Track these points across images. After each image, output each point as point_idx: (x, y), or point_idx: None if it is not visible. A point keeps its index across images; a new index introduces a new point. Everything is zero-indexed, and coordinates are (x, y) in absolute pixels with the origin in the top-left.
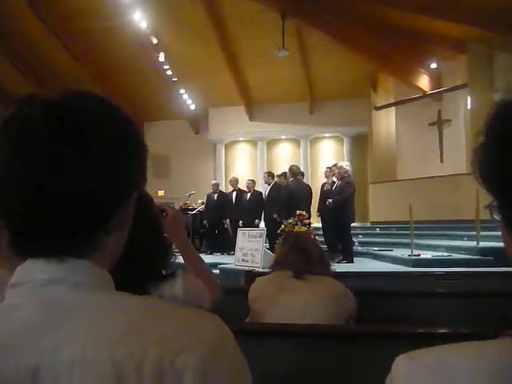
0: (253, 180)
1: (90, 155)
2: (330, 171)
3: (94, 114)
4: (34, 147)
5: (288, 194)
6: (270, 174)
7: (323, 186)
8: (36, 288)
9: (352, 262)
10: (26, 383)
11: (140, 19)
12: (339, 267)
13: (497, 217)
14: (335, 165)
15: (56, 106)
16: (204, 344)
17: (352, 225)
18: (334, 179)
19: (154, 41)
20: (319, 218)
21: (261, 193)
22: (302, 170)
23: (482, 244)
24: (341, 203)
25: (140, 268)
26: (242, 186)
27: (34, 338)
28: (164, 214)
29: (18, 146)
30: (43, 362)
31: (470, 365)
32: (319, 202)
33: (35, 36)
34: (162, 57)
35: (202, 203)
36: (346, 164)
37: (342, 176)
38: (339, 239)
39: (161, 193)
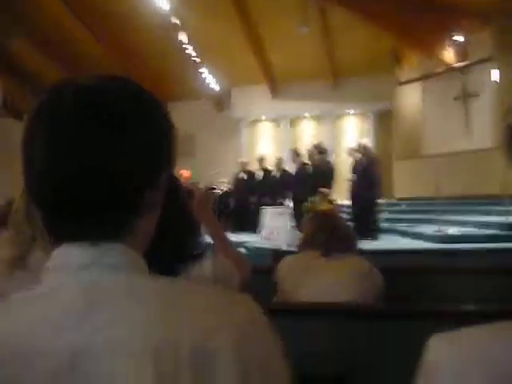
0: (280, 158)
1: (121, 136)
2: (357, 148)
3: (123, 96)
4: (67, 129)
5: (315, 172)
6: (296, 152)
7: (356, 162)
8: (72, 272)
9: (377, 238)
10: (66, 365)
11: (162, 0)
12: (366, 245)
13: None
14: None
15: (87, 90)
16: (238, 325)
17: (378, 201)
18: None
19: (177, 21)
20: (344, 195)
21: (288, 171)
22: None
23: (511, 219)
24: (363, 180)
25: (169, 249)
26: (268, 164)
27: (73, 320)
28: (191, 194)
29: (51, 129)
30: (83, 346)
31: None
32: (353, 179)
33: (61, 21)
34: (184, 37)
35: (227, 182)
36: (365, 141)
37: (364, 153)
38: (365, 216)
39: (186, 173)
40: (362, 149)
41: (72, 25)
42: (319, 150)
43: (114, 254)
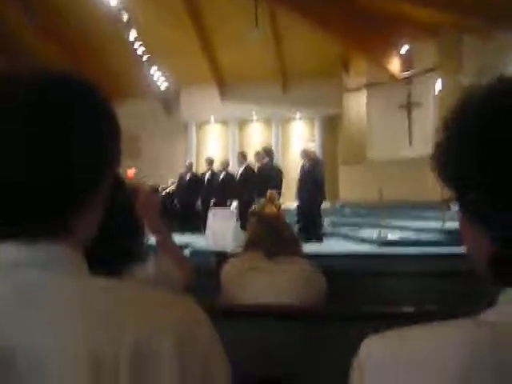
0: (226, 161)
1: (67, 134)
2: (304, 151)
3: (71, 93)
4: (11, 126)
5: (262, 175)
6: (243, 155)
7: (303, 167)
8: (6, 270)
9: (321, 240)
10: (1, 366)
11: None
12: (309, 248)
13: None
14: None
15: (34, 86)
16: (179, 326)
17: (322, 205)
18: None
19: (126, 16)
20: (288, 199)
21: (233, 173)
22: (273, 150)
23: (448, 225)
24: (311, 183)
25: (112, 249)
26: (215, 166)
27: (8, 321)
28: (136, 194)
29: None
30: (18, 346)
31: (442, 348)
32: (299, 183)
33: (5, 13)
34: (133, 33)
35: (173, 183)
36: (310, 145)
37: (309, 157)
38: (310, 219)
39: (130, 172)
40: (307, 153)
41: (18, 18)
42: (266, 153)
43: (51, 253)
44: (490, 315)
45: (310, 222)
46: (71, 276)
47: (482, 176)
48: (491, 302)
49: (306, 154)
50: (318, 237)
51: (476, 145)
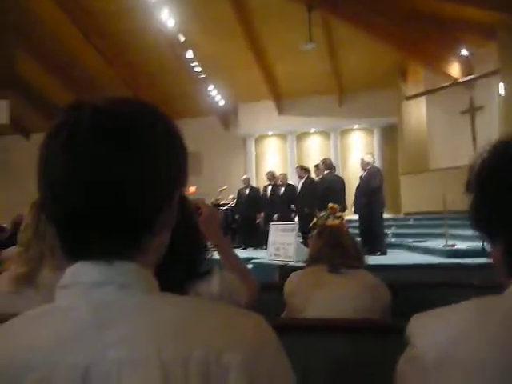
0: (284, 174)
1: (139, 158)
2: (361, 163)
3: (138, 118)
4: (84, 151)
5: (323, 187)
6: (303, 168)
7: (361, 177)
8: (85, 290)
9: (385, 253)
10: (78, 381)
11: (167, 17)
12: (374, 260)
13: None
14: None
15: (103, 112)
16: (248, 342)
17: (385, 216)
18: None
19: (182, 38)
20: (351, 211)
21: (294, 186)
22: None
23: None
24: (368, 194)
25: (178, 266)
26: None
27: (86, 337)
28: (199, 211)
29: (69, 151)
30: (94, 361)
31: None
32: (355, 195)
33: (67, 39)
34: (190, 54)
35: (233, 198)
36: (366, 156)
37: (365, 168)
38: (372, 230)
39: (192, 189)
40: (363, 164)
41: (78, 44)
42: (326, 166)
43: (127, 272)
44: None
45: (371, 234)
46: (145, 294)
47: None
48: None
49: (361, 165)
50: (382, 250)
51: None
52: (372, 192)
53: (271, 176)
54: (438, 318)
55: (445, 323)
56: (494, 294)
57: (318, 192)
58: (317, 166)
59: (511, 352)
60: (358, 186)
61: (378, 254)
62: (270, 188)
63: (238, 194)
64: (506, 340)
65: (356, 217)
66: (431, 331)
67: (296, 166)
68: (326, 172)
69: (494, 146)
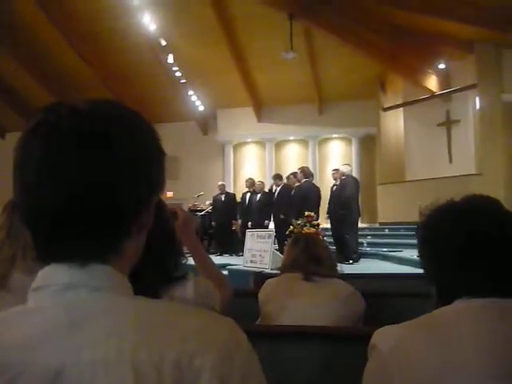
0: (262, 181)
1: (115, 160)
2: (336, 173)
3: (118, 120)
4: (61, 153)
5: (300, 195)
6: (278, 176)
7: (332, 187)
8: (58, 292)
9: (357, 261)
10: (49, 382)
11: (149, 21)
12: (348, 268)
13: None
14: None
15: (82, 113)
16: (220, 345)
17: (361, 225)
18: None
19: (163, 43)
20: (327, 219)
21: (271, 194)
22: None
23: None
24: (343, 204)
25: (152, 270)
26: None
27: (58, 339)
28: (175, 216)
29: (46, 152)
30: (67, 363)
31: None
32: (329, 204)
33: (46, 39)
34: (170, 58)
35: (210, 204)
36: (343, 166)
37: (339, 178)
38: (344, 239)
39: (169, 194)
40: (335, 174)
41: (57, 44)
42: (307, 174)
43: (101, 275)
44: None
45: (343, 243)
46: (118, 297)
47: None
48: None
49: (334, 175)
50: (351, 258)
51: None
52: (345, 201)
53: (251, 183)
54: (394, 327)
55: (399, 330)
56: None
57: (294, 200)
58: (294, 174)
59: (456, 351)
60: (331, 196)
61: (350, 262)
62: (248, 195)
63: (214, 200)
64: (449, 342)
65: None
66: (389, 336)
67: (272, 175)
68: (303, 180)
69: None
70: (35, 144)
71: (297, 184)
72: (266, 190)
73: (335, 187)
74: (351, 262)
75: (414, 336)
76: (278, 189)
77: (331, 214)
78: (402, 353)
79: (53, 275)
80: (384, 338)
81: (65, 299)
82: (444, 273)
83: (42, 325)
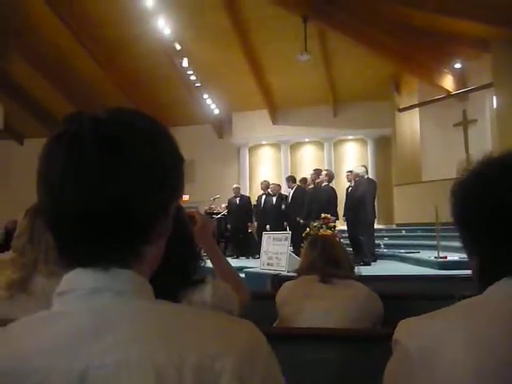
0: (278, 184)
1: (136, 168)
2: (350, 174)
3: (137, 128)
4: (83, 159)
5: (317, 198)
6: (291, 178)
7: (347, 189)
8: (83, 296)
9: (369, 264)
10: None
11: (163, 26)
12: (365, 270)
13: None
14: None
15: (102, 122)
16: (241, 348)
17: (377, 227)
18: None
19: (178, 47)
20: (343, 221)
21: (286, 196)
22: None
23: None
24: (357, 205)
25: (172, 274)
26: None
27: (83, 342)
28: (193, 220)
29: (68, 159)
30: (91, 366)
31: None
32: (345, 205)
33: (62, 45)
34: (185, 62)
35: (226, 207)
36: (357, 168)
37: (354, 180)
38: (360, 240)
39: (185, 197)
40: (349, 175)
41: (74, 50)
42: (330, 178)
43: (123, 279)
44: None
45: (357, 245)
46: (140, 301)
47: None
48: None
49: (349, 177)
50: (365, 260)
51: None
52: (357, 203)
53: (266, 185)
54: (423, 319)
55: (429, 324)
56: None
57: (310, 201)
58: (316, 173)
59: (496, 353)
60: (347, 197)
61: (362, 264)
62: (264, 197)
63: (229, 203)
64: (491, 341)
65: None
66: (417, 332)
67: (286, 176)
68: (324, 184)
69: (482, 162)
70: (59, 151)
71: (311, 186)
72: (282, 192)
73: (350, 189)
74: (362, 264)
75: (449, 332)
76: (292, 191)
77: (346, 215)
78: (432, 354)
79: (78, 279)
80: (411, 333)
81: (89, 304)
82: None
83: (67, 329)
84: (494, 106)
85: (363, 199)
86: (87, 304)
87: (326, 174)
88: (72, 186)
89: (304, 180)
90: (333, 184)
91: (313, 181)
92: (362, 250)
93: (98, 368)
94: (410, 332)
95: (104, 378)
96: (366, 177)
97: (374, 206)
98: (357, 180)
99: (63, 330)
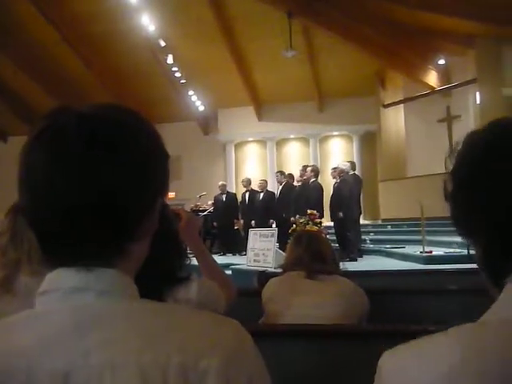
0: (265, 180)
1: (120, 163)
2: (334, 171)
3: (122, 124)
4: (68, 156)
5: (304, 194)
6: (283, 173)
7: (334, 185)
8: (65, 296)
9: (356, 259)
10: None
11: (148, 22)
12: (351, 266)
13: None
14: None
15: (88, 118)
16: (225, 347)
17: (363, 222)
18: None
19: (162, 43)
20: (328, 217)
21: (273, 193)
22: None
23: None
24: (342, 201)
25: (157, 272)
26: (254, 186)
27: (65, 343)
28: (178, 217)
29: (53, 155)
30: (75, 366)
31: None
32: (330, 201)
33: (46, 42)
34: (170, 59)
35: (212, 204)
36: (342, 164)
37: (339, 176)
38: (347, 237)
39: (171, 194)
40: (334, 172)
41: (58, 47)
42: (315, 174)
43: (107, 279)
44: (487, 316)
45: (342, 242)
46: (124, 300)
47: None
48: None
49: (333, 174)
50: (352, 257)
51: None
52: (345, 199)
53: (247, 183)
54: (417, 357)
55: (427, 362)
56: (473, 322)
57: (297, 198)
58: (305, 169)
59: None
60: (332, 194)
61: (348, 260)
62: (247, 194)
63: (215, 200)
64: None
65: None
66: (411, 372)
67: (276, 171)
68: (312, 180)
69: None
70: (42, 147)
71: (300, 182)
72: (269, 188)
73: (336, 185)
74: (348, 259)
75: (435, 365)
76: (280, 187)
77: (332, 212)
78: None
79: (60, 279)
80: (395, 365)
81: (72, 303)
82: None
83: (49, 329)
84: (478, 101)
85: (349, 195)
86: (70, 303)
87: (312, 170)
88: (55, 182)
89: (290, 176)
90: (320, 180)
91: (301, 177)
92: (349, 246)
93: (81, 368)
94: (393, 364)
95: (87, 378)
96: (350, 173)
97: (359, 202)
98: (342, 176)
99: (46, 330)
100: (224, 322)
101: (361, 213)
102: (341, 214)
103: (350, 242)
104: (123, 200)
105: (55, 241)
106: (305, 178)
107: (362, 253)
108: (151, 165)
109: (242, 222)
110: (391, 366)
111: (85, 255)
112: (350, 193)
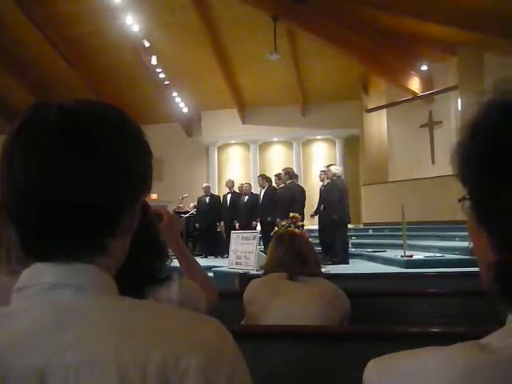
0: (249, 183)
1: (102, 159)
2: (323, 174)
3: (104, 118)
4: (49, 150)
5: (285, 197)
6: (265, 177)
7: (321, 188)
8: (42, 291)
9: (347, 263)
10: (34, 383)
11: (132, 23)
12: (333, 268)
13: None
14: (328, 167)
15: (68, 112)
16: (206, 346)
17: (345, 225)
18: (327, 181)
19: (146, 44)
20: (312, 220)
21: (257, 195)
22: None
23: None
24: (330, 205)
25: (137, 272)
26: (236, 189)
27: (42, 339)
28: (160, 217)
29: (33, 148)
30: (51, 363)
31: (443, 370)
32: (318, 204)
33: (29, 41)
34: (154, 60)
35: (195, 206)
36: (334, 167)
37: (331, 179)
38: (333, 240)
39: (154, 196)
40: (322, 175)
41: (41, 46)
42: (290, 175)
43: (86, 275)
44: (494, 339)
45: (328, 244)
46: (102, 297)
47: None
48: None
49: (323, 176)
50: (342, 259)
51: (490, 149)
52: (332, 203)
53: (232, 184)
54: (392, 359)
55: (400, 364)
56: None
57: (279, 201)
58: (278, 176)
59: None
60: (320, 196)
61: (330, 263)
62: (229, 196)
63: (198, 202)
64: None
65: (315, 226)
66: (386, 374)
67: (258, 175)
68: (288, 182)
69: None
70: (22, 140)
71: (281, 185)
72: (253, 191)
73: (323, 187)
74: (330, 263)
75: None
76: (264, 190)
77: (320, 215)
78: None
79: (38, 274)
80: (379, 375)
81: (49, 299)
82: None
83: (25, 325)
84: (459, 107)
85: (341, 199)
86: (47, 299)
87: (286, 173)
88: (36, 175)
89: (277, 176)
90: (300, 183)
91: (277, 185)
92: (333, 249)
93: (57, 366)
94: (378, 373)
95: (64, 376)
96: (342, 177)
97: (348, 206)
98: (334, 179)
99: (21, 326)
100: (205, 320)
101: (350, 217)
102: (335, 216)
103: (334, 245)
104: (104, 195)
105: (34, 236)
106: (282, 183)
107: (348, 259)
108: (133, 160)
109: (222, 224)
110: (379, 376)
111: (63, 250)
112: (343, 196)
